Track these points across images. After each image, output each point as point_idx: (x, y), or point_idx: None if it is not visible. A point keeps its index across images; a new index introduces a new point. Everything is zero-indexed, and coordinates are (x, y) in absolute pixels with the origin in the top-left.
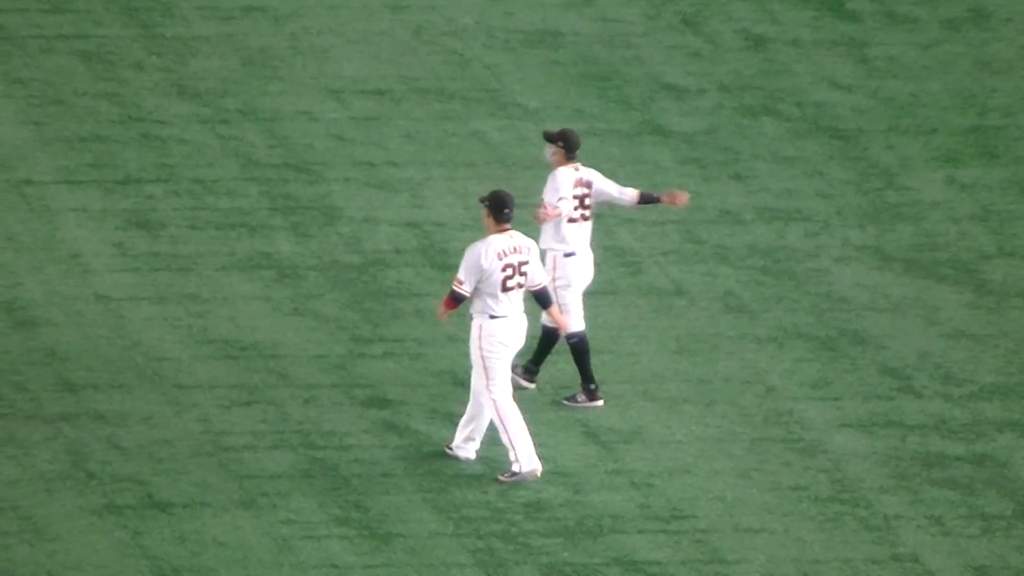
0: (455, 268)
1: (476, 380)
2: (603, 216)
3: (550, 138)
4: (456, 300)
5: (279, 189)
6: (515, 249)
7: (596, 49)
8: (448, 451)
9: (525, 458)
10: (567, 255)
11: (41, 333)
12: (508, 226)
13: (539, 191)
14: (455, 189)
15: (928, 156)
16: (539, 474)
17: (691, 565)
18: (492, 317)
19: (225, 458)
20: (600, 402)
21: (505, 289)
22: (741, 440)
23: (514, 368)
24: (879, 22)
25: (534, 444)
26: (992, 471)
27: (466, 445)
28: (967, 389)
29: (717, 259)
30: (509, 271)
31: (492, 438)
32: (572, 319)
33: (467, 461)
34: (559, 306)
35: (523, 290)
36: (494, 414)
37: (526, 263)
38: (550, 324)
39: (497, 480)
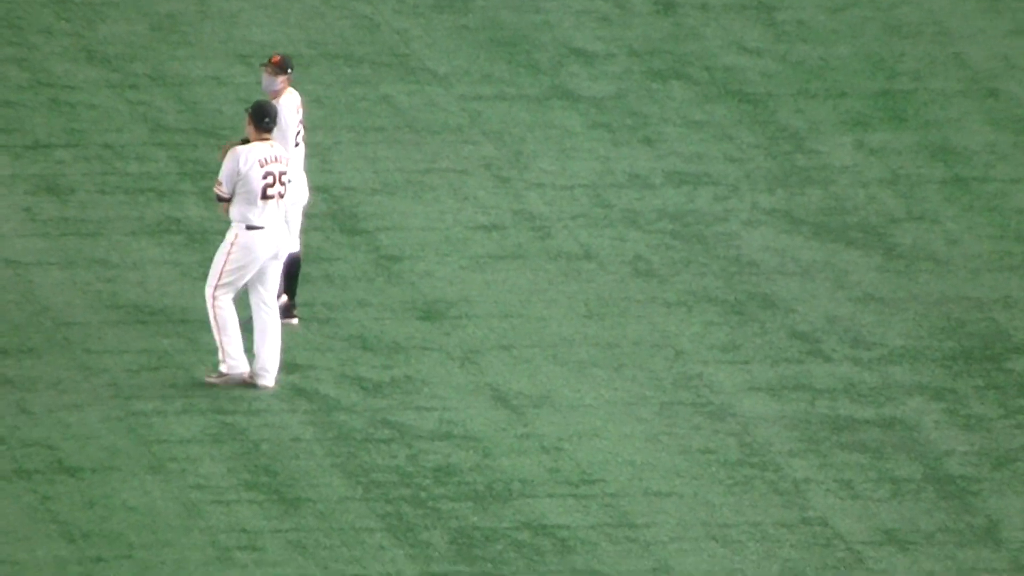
0: (364, 233)
1: (207, 282)
2: (512, 180)
3: (283, 68)
4: (220, 201)
5: (188, 154)
6: (275, 159)
7: (504, 14)
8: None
9: (236, 360)
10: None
11: None
12: (268, 136)
13: (449, 155)
14: (364, 154)
15: (837, 120)
16: (246, 377)
17: (600, 529)
18: (249, 228)
19: (134, 423)
20: (296, 320)
21: (265, 196)
22: (650, 404)
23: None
24: None
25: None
26: (901, 435)
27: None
28: (876, 353)
29: (626, 223)
30: (269, 179)
31: (404, 402)
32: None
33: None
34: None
35: (283, 201)
36: (211, 316)
37: (284, 173)
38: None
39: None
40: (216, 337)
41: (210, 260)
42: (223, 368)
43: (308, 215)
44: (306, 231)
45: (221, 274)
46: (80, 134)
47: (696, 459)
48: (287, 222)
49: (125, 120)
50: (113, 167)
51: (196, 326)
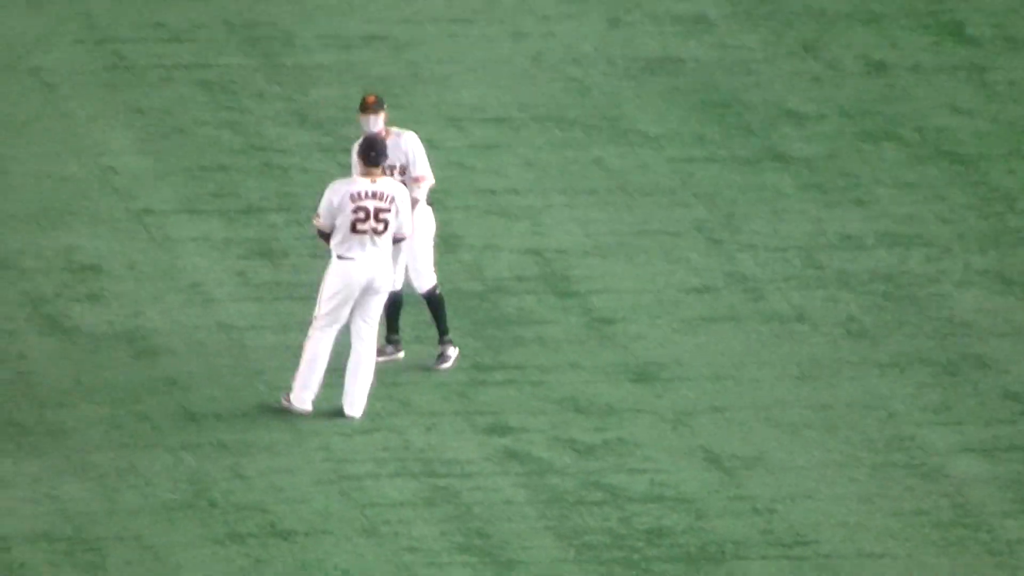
0: (576, 295)
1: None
2: (724, 242)
3: (381, 104)
4: (321, 235)
5: None
6: (374, 195)
7: (716, 76)
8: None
9: (297, 394)
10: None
11: (162, 362)
12: (374, 171)
13: (661, 217)
14: (576, 216)
15: None
16: (305, 412)
17: None
18: (339, 257)
19: (347, 486)
20: (402, 354)
21: (355, 231)
22: (863, 465)
23: (387, 343)
24: (999, 47)
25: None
26: None
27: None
28: None
29: (839, 284)
30: (361, 214)
31: (616, 464)
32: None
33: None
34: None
35: (381, 238)
36: (306, 343)
37: (387, 211)
38: (394, 288)
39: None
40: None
41: (422, 322)
42: (289, 397)
43: (520, 278)
44: (518, 294)
45: (320, 303)
46: (293, 198)
47: (909, 520)
48: (395, 258)
49: None
50: None
51: (409, 388)
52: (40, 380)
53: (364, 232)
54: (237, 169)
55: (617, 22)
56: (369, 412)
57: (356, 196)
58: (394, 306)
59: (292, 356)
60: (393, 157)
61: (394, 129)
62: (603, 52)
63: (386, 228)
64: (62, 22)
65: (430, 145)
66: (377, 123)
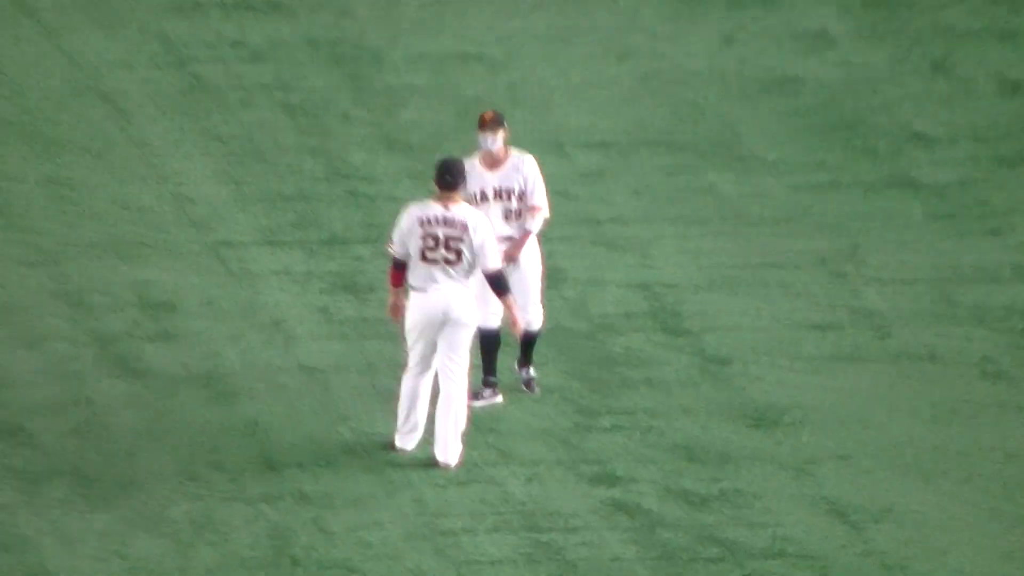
0: (688, 334)
1: None
2: (848, 275)
3: (500, 121)
4: (395, 266)
5: None
6: (446, 221)
7: (839, 97)
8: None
9: (397, 433)
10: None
11: (241, 406)
12: (451, 194)
13: (779, 249)
14: (687, 248)
15: None
16: (402, 453)
17: None
18: (412, 288)
19: (441, 542)
20: (500, 398)
21: (424, 259)
22: (1004, 517)
23: (484, 386)
24: None
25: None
26: None
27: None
28: None
29: (973, 321)
30: (430, 241)
31: (733, 517)
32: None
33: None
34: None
35: (454, 268)
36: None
37: (459, 240)
38: (489, 325)
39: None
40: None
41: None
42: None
43: (628, 315)
44: (625, 332)
45: (404, 341)
46: (379, 228)
47: None
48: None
49: None
50: None
51: (508, 436)
52: (109, 426)
53: (434, 262)
54: (320, 198)
55: (731, 39)
56: (465, 462)
57: (425, 221)
58: (491, 345)
59: (380, 399)
60: (510, 180)
61: (514, 151)
62: (716, 71)
63: (459, 259)
64: (137, 45)
65: None
66: (495, 141)
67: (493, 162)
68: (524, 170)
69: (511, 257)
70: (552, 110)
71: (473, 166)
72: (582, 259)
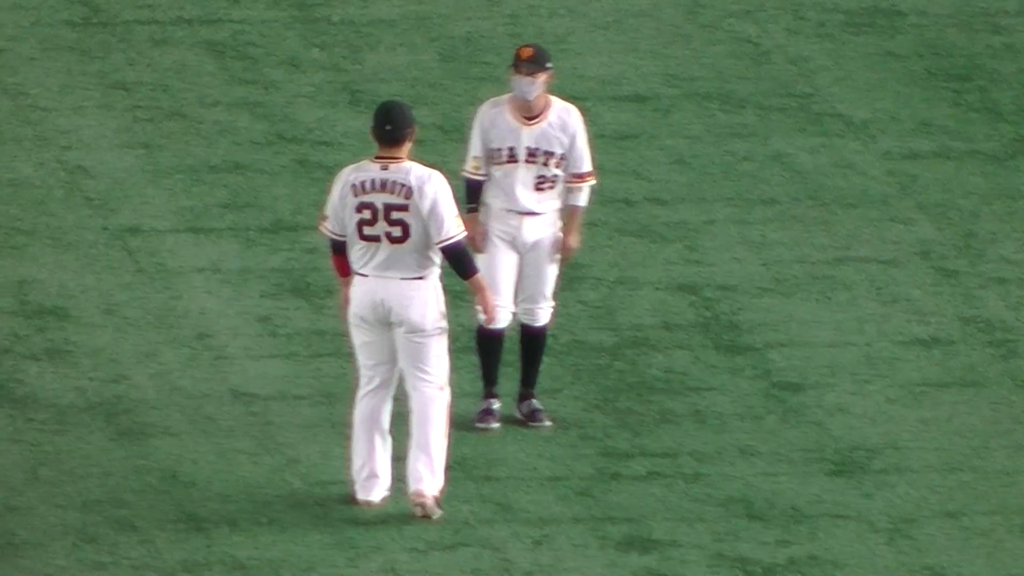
0: (748, 351)
1: None
2: (960, 274)
3: (542, 60)
4: (333, 249)
5: None
6: (384, 185)
7: (950, 34)
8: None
9: (355, 482)
10: None
11: (156, 447)
12: (392, 149)
13: (870, 239)
14: (748, 237)
15: None
16: (367, 507)
17: None
18: (355, 274)
19: None
20: (497, 424)
21: (362, 237)
22: None
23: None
24: None
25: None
26: None
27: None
28: None
29: None
30: (366, 213)
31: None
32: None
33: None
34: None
35: (400, 248)
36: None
37: (402, 209)
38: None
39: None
40: None
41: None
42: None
43: (669, 326)
44: (665, 349)
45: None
46: None
47: None
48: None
49: None
50: None
51: (509, 486)
52: None
53: (374, 239)
54: (260, 169)
55: None
56: (452, 517)
57: (359, 188)
58: (490, 349)
59: (338, 436)
60: (550, 139)
61: (557, 100)
62: (787, 1)
63: (405, 235)
64: None
65: None
66: (534, 87)
67: (529, 113)
68: (571, 126)
69: (569, 250)
70: (569, 52)
71: (500, 115)
72: (608, 252)
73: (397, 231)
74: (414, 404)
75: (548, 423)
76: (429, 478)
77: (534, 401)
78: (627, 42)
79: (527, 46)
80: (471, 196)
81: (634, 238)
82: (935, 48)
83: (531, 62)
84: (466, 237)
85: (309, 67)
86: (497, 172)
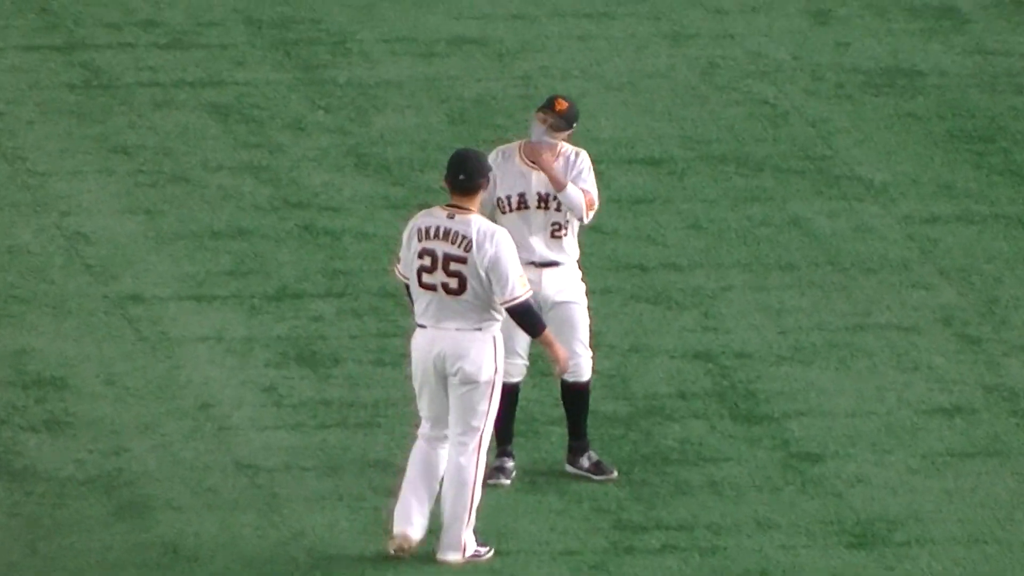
0: (766, 421)
1: None
2: (984, 341)
3: (573, 119)
4: (408, 293)
5: None
6: (446, 235)
7: (971, 95)
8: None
9: (394, 519)
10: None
11: (157, 521)
12: (463, 199)
13: (890, 304)
14: (766, 303)
15: None
16: (395, 545)
17: None
18: (417, 325)
19: None
20: (508, 480)
21: (422, 285)
22: None
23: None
24: None
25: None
26: None
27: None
28: None
29: None
30: (427, 260)
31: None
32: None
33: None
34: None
35: (457, 300)
36: None
37: (460, 261)
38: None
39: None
40: None
41: (539, 461)
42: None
43: (684, 395)
44: (681, 418)
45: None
46: (347, 277)
47: None
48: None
49: None
50: (395, 324)
51: (518, 561)
52: None
53: (431, 288)
54: (265, 235)
55: (826, 16)
56: None
57: (423, 233)
58: (505, 403)
59: (347, 509)
60: (547, 185)
61: (567, 145)
62: (806, 61)
63: (461, 288)
64: (8, 18)
65: None
66: (551, 140)
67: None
68: (578, 164)
69: (556, 187)
70: (582, 114)
71: (509, 160)
72: (622, 319)
73: (454, 283)
74: (453, 455)
75: (615, 474)
76: (458, 539)
77: (592, 453)
78: (642, 104)
79: (563, 98)
80: None
81: (649, 304)
82: (956, 109)
83: (561, 117)
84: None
85: (315, 130)
86: (508, 223)
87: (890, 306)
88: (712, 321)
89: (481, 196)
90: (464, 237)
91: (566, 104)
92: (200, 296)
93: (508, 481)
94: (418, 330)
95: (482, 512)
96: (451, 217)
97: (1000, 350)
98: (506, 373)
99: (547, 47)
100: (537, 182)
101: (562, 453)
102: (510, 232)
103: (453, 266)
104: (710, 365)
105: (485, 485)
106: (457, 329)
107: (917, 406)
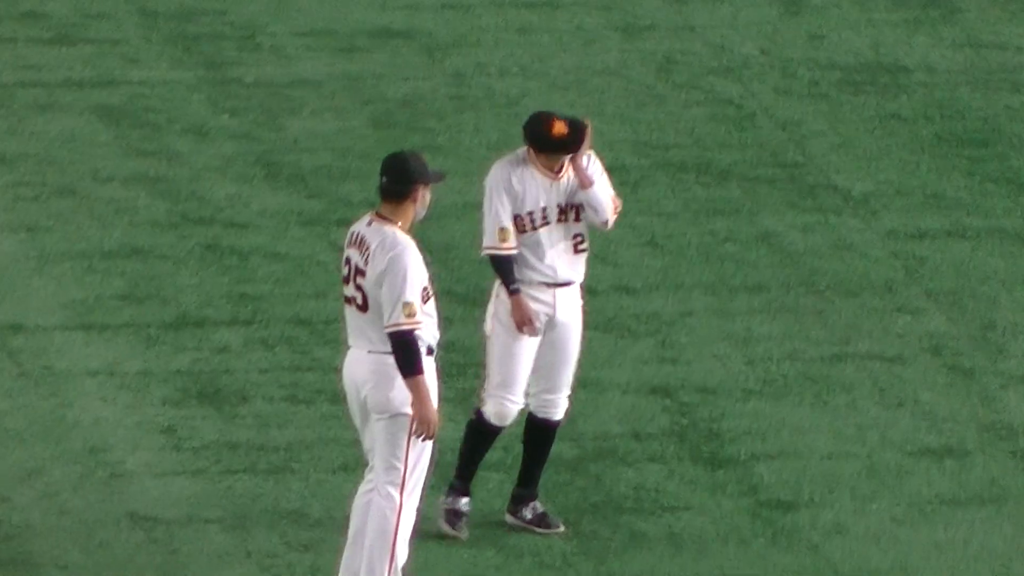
0: (731, 464)
1: None
2: (977, 373)
3: (576, 142)
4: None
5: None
6: (360, 242)
7: (963, 94)
8: None
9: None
10: None
11: None
12: (383, 207)
13: (873, 331)
14: (729, 332)
15: None
16: None
17: None
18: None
19: None
20: (465, 533)
21: (344, 297)
22: None
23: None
24: None
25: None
26: None
27: None
28: None
29: None
30: (345, 269)
31: None
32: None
33: None
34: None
35: (363, 317)
36: None
37: (362, 273)
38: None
39: None
40: None
41: (481, 513)
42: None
43: (639, 435)
44: (635, 462)
45: None
46: (256, 303)
47: None
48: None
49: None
50: (312, 355)
51: None
52: None
53: (348, 302)
54: (163, 255)
55: (799, 5)
56: None
57: (348, 239)
58: (484, 443)
59: (255, 565)
60: (572, 190)
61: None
62: (775, 56)
63: (364, 304)
64: None
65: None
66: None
67: (557, 167)
68: (591, 168)
69: (585, 184)
70: (522, 117)
71: (527, 171)
72: None
73: (359, 297)
74: (372, 509)
75: (562, 528)
76: None
77: (537, 504)
78: (590, 105)
79: (558, 119)
80: (509, 275)
81: (599, 332)
82: (946, 110)
83: (569, 140)
84: (516, 322)
85: (219, 136)
86: (528, 243)
87: (872, 333)
88: (670, 351)
89: (408, 205)
90: (367, 247)
91: (564, 125)
92: (89, 325)
93: (466, 533)
94: (347, 353)
95: (409, 569)
96: (369, 224)
97: (996, 383)
98: (496, 414)
99: (483, 41)
100: (557, 193)
101: (500, 502)
102: (526, 254)
103: (359, 279)
104: (668, 401)
105: (415, 537)
106: (369, 352)
107: (903, 447)
